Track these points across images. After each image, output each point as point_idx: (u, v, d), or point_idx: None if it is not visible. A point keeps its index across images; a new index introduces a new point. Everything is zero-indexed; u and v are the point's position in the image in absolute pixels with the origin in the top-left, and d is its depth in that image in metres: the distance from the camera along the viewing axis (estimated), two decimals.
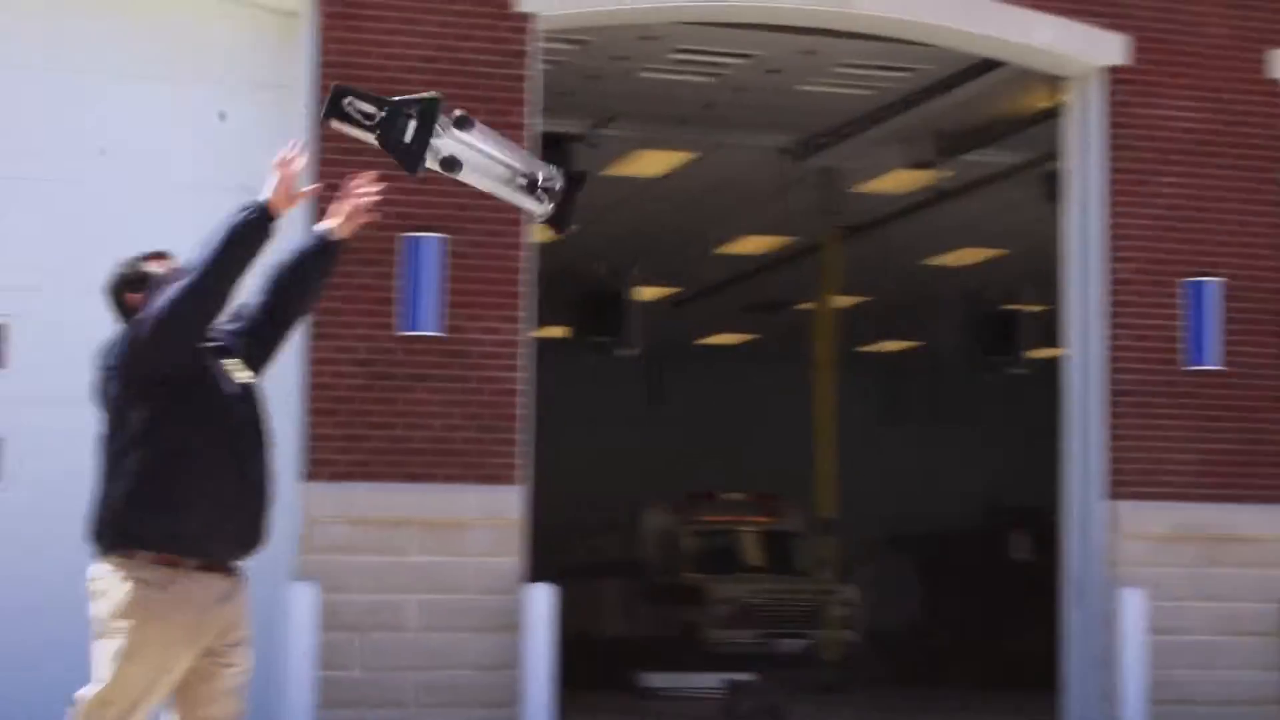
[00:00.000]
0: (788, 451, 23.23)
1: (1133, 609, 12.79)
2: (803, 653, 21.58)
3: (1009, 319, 21.06)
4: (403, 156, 5.24)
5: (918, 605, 24.33)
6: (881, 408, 28.14)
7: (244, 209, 5.22)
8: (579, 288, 19.80)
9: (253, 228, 5.19)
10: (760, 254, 21.52)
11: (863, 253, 20.08)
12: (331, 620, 11.51)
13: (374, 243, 11.90)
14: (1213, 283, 13.30)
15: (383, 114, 5.22)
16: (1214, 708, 13.12)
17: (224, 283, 5.19)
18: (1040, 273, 17.39)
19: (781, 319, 23.31)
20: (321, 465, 11.73)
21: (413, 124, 5.21)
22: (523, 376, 12.10)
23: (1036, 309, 20.70)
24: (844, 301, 21.49)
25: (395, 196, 11.85)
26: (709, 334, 27.24)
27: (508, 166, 5.52)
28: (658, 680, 20.68)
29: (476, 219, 12.00)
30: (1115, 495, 13.15)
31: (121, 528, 5.25)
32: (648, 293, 21.71)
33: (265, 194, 5.25)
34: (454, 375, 11.97)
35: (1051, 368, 14.56)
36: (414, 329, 11.86)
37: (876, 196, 18.51)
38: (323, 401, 11.77)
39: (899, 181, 18.07)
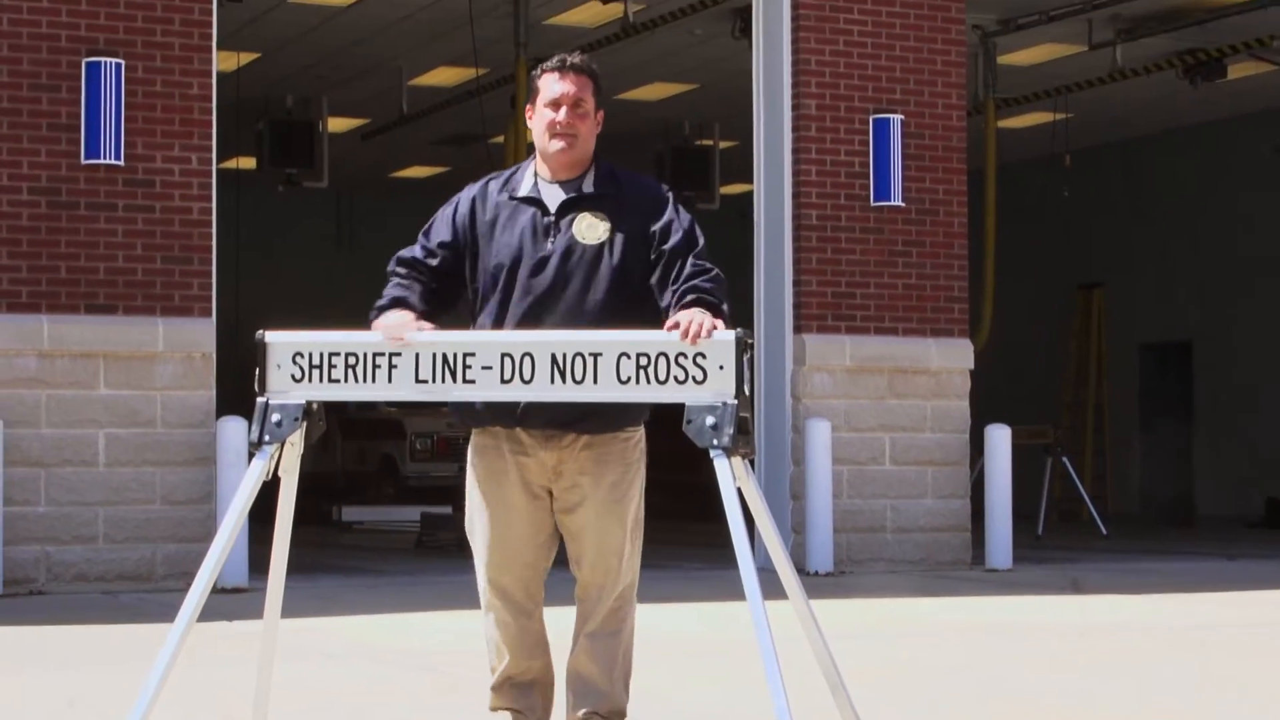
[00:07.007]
0: None
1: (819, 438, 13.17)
2: None
3: (701, 154, 21.28)
4: None
5: None
6: None
7: None
8: (268, 117, 19.43)
9: None
10: (452, 85, 21.28)
11: None
12: (14, 455, 11.23)
13: (54, 67, 11.50)
14: (894, 119, 13.62)
15: None
16: (900, 535, 13.66)
17: None
18: (730, 107, 17.62)
19: (474, 152, 23.12)
20: (1, 296, 11.39)
21: None
22: (206, 207, 11.84)
23: (727, 144, 20.98)
24: None
25: (74, 19, 11.50)
26: (400, 167, 26.95)
27: None
28: (354, 514, 20.68)
29: (159, 43, 11.67)
30: (801, 329, 13.47)
31: None
32: (337, 124, 21.37)
33: None
34: (137, 205, 11.67)
35: (743, 203, 14.78)
36: (95, 157, 11.51)
37: (566, 28, 18.42)
38: (2, 231, 11.40)
39: (589, 14, 18.01)
